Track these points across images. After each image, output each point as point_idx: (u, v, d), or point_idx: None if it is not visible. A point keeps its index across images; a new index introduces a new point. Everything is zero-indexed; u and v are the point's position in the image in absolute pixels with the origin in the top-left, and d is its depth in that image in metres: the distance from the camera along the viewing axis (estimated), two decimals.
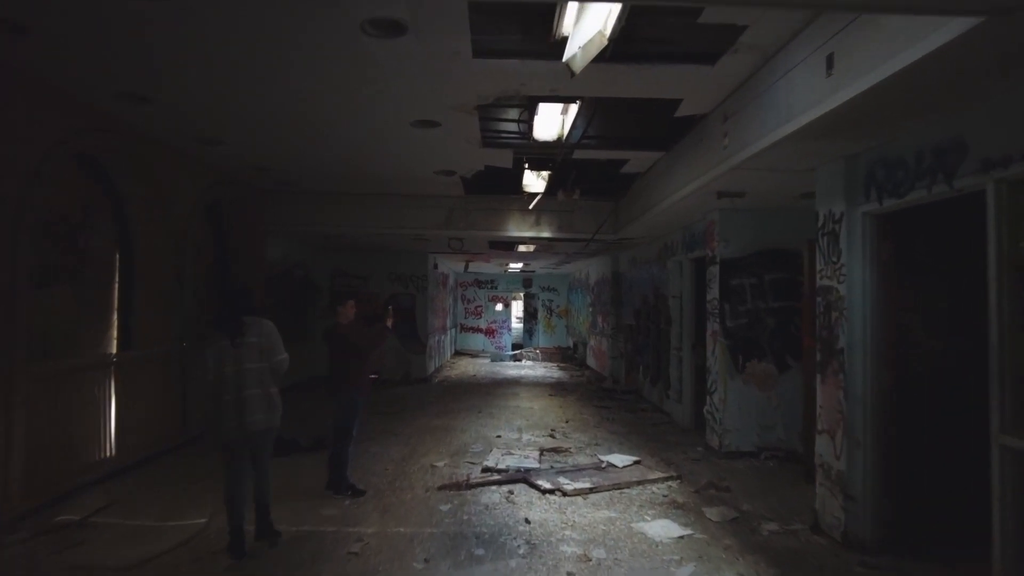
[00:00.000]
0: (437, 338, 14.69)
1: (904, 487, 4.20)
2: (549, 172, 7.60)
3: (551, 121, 5.84)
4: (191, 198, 7.18)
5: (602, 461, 6.27)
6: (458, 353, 19.46)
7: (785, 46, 3.85)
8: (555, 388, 12.22)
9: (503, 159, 6.82)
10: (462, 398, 10.67)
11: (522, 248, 11.53)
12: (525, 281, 20.84)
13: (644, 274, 10.51)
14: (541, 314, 21.18)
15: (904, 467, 4.20)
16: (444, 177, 7.72)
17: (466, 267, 17.18)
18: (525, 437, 7.58)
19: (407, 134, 5.82)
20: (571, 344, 19.18)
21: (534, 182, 8.08)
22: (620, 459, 6.31)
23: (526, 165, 7.40)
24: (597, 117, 5.66)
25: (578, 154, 6.58)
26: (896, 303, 4.24)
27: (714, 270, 6.88)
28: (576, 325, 18.81)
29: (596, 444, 7.21)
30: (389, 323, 5.35)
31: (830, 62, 3.31)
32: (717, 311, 6.78)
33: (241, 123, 5.75)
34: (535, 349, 18.92)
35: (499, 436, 7.61)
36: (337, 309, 5.23)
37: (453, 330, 18.99)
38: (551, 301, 21.10)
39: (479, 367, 16.07)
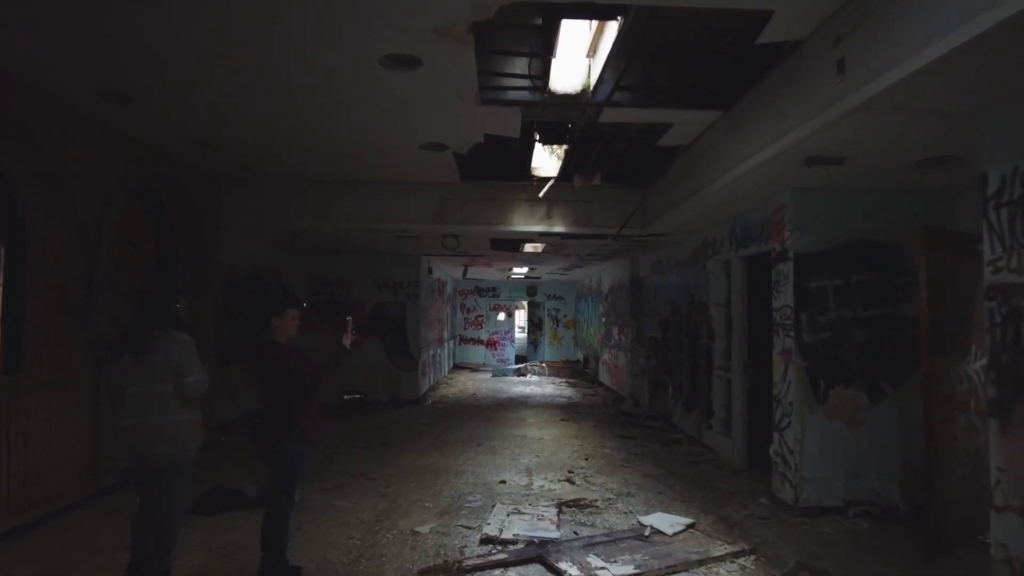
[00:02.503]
0: (432, 352, 13.08)
1: None
2: (566, 147, 6.05)
3: (574, 63, 4.31)
4: (109, 179, 5.59)
5: (643, 525, 4.63)
6: (457, 367, 17.81)
7: None
8: (567, 411, 10.56)
9: (508, 124, 5.23)
10: (459, 425, 9.03)
11: (529, 248, 9.92)
12: (529, 289, 19.24)
13: (674, 278, 8.90)
14: (547, 324, 19.59)
15: None
16: (433, 154, 6.14)
17: (465, 273, 15.56)
18: (537, 483, 5.94)
19: (378, 80, 4.25)
20: (581, 358, 17.53)
21: (546, 162, 6.53)
22: (667, 521, 4.69)
23: (537, 137, 5.85)
24: (636, 60, 4.09)
25: (606, 116, 5.00)
26: None
27: (785, 269, 5.27)
28: (586, 337, 17.17)
29: (629, 494, 5.58)
30: (347, 341, 3.74)
31: None
32: (790, 322, 5.16)
33: (152, 65, 4.16)
34: (542, 363, 17.26)
35: (503, 482, 5.97)
36: (271, 321, 3.61)
37: (451, 342, 17.37)
38: (557, 310, 19.52)
39: (479, 384, 14.41)
